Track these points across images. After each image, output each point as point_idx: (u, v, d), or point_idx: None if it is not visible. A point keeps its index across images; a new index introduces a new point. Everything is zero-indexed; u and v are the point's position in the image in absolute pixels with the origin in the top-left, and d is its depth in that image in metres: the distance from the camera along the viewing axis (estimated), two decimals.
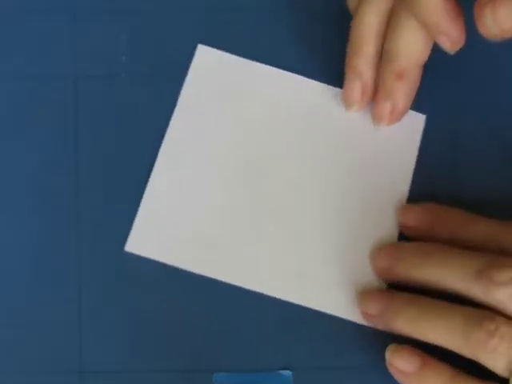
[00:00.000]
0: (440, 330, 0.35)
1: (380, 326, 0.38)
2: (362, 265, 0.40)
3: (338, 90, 0.43)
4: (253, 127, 0.42)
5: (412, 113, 0.42)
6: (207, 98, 0.43)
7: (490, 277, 0.35)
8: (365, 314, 0.39)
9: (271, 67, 0.44)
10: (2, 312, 0.40)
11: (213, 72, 0.43)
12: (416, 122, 0.43)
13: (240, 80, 0.43)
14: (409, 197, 0.42)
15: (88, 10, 0.44)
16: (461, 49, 0.39)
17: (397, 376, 0.37)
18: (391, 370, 0.37)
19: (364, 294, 0.39)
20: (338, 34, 0.43)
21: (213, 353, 0.39)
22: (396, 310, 0.37)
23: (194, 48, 0.44)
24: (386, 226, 0.41)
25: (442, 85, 0.43)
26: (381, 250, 0.40)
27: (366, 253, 0.40)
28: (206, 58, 0.43)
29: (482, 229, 0.38)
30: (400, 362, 0.37)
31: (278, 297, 0.40)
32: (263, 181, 0.42)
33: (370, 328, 0.39)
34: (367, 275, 0.40)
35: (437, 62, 0.41)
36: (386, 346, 0.37)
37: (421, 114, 0.43)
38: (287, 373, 0.39)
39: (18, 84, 0.43)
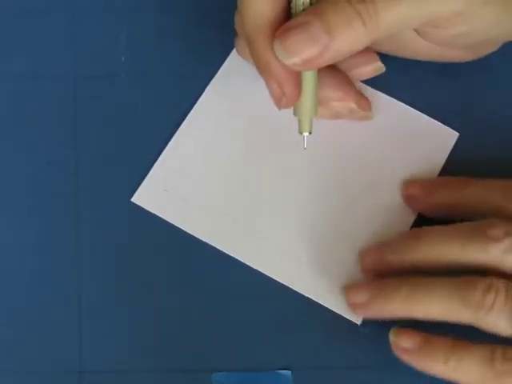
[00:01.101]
0: (436, 302, 0.35)
1: (368, 315, 0.38)
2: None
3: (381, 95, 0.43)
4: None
5: (445, 128, 0.42)
6: (245, 74, 0.43)
7: (484, 233, 0.35)
8: (352, 305, 0.38)
9: None
10: (2, 312, 0.40)
11: None
12: (447, 137, 0.42)
13: None
14: None
15: (88, 9, 0.44)
16: None
17: (402, 356, 0.37)
18: (396, 351, 0.37)
19: (350, 286, 0.39)
20: None
21: (212, 352, 0.39)
22: (387, 294, 0.37)
23: (194, 48, 0.44)
24: (403, 226, 0.41)
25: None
26: (368, 248, 0.40)
27: None
28: None
29: (480, 189, 0.38)
30: (404, 341, 0.36)
31: (277, 279, 0.40)
32: (283, 166, 0.42)
33: (369, 328, 0.39)
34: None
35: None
36: (385, 347, 0.37)
37: (454, 131, 0.42)
38: (287, 372, 0.39)
39: (18, 84, 0.43)
